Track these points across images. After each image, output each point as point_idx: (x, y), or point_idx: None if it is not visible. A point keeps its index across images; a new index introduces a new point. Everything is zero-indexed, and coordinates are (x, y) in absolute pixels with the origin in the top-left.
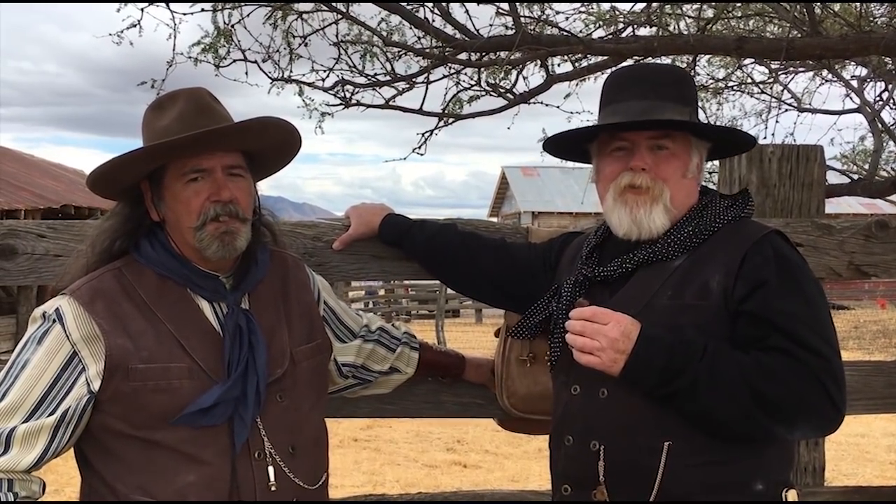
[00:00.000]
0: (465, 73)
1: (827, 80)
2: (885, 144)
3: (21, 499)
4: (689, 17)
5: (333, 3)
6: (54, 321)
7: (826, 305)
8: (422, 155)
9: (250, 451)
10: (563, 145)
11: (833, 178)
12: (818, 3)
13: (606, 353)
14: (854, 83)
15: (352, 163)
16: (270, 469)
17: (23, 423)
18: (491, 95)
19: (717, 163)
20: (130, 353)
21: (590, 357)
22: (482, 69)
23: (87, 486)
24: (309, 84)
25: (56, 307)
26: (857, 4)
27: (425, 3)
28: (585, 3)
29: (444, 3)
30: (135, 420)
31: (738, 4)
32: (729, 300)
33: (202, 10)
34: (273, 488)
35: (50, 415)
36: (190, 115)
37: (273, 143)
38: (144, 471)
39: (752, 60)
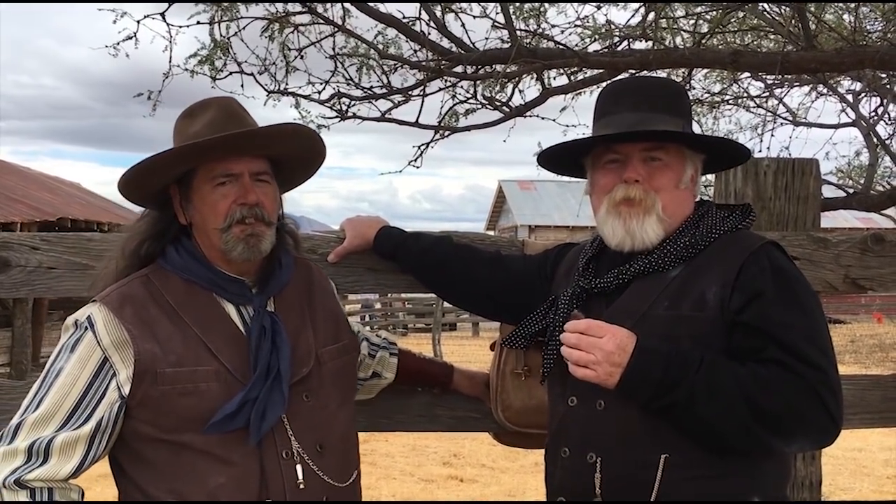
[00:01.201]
0: (461, 87)
1: (823, 94)
2: (880, 159)
3: None
4: (685, 31)
5: (330, 2)
6: (86, 328)
7: (823, 317)
8: (418, 168)
9: (278, 450)
10: (558, 159)
11: (828, 193)
12: (813, 18)
13: (602, 366)
14: (849, 97)
15: (348, 176)
16: (299, 468)
17: (58, 430)
18: (487, 109)
19: (712, 177)
20: (158, 358)
21: (585, 370)
22: (478, 82)
23: (121, 492)
24: (305, 97)
25: (87, 314)
26: (851, 19)
27: (421, 17)
28: (582, 5)
29: (439, 14)
30: (163, 424)
31: (732, 17)
32: (725, 311)
33: (198, 22)
34: (302, 486)
35: (84, 422)
36: (219, 121)
37: (298, 152)
38: (175, 474)
39: (748, 75)
